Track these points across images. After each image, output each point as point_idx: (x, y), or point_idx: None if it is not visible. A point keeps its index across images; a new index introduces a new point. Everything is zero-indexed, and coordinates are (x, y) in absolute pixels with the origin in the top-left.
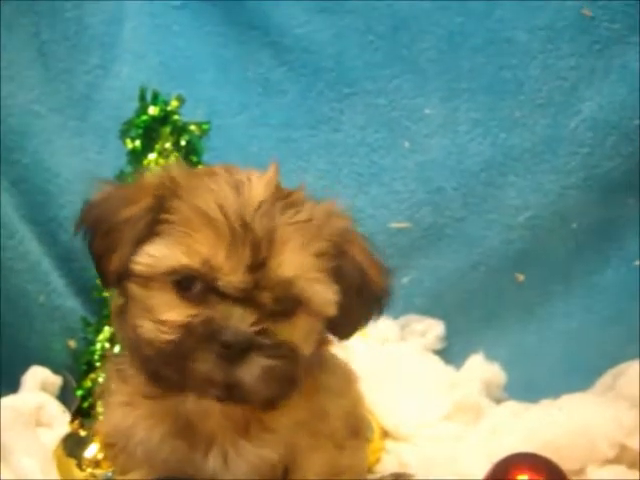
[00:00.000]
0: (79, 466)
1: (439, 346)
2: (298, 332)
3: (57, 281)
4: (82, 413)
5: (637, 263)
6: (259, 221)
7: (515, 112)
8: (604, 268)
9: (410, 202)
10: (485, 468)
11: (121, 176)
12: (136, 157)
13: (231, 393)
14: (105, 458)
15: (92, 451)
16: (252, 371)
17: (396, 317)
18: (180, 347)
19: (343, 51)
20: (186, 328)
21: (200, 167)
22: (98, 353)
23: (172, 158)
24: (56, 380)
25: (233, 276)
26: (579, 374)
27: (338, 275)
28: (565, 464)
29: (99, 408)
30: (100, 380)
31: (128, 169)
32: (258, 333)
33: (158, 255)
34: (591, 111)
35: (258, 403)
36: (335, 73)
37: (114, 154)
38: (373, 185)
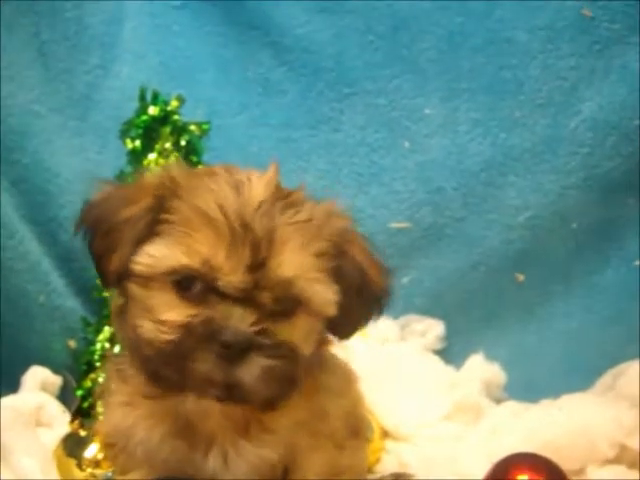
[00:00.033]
0: (79, 466)
1: (439, 346)
2: (298, 332)
3: (57, 281)
4: (82, 413)
5: (637, 263)
6: (259, 221)
7: (515, 112)
8: (604, 268)
9: (410, 202)
10: (485, 468)
11: (121, 176)
12: (136, 157)
13: (231, 393)
14: (105, 458)
15: (92, 451)
16: (252, 371)
17: (396, 317)
18: (180, 347)
19: (343, 51)
20: (186, 328)
21: (200, 167)
22: (98, 353)
23: (172, 158)
24: (56, 380)
25: (233, 276)
26: (579, 374)
27: (338, 275)
28: (565, 464)
29: (99, 408)
30: (100, 380)
31: (128, 169)
32: (258, 333)
33: (158, 255)
34: (591, 111)
35: (258, 403)
36: (335, 73)
37: (114, 154)
38: (373, 185)
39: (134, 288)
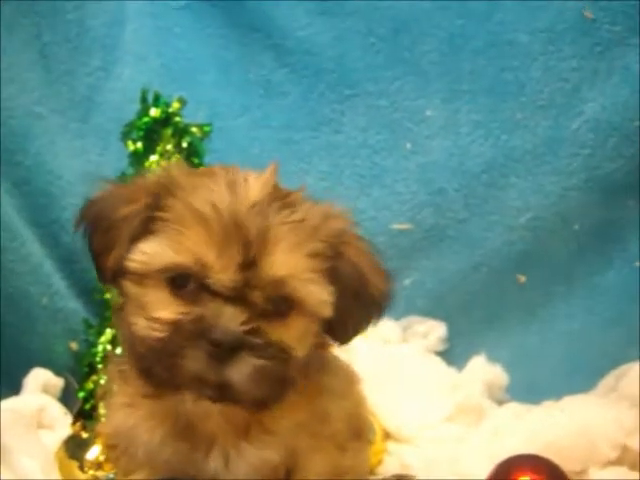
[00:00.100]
0: (81, 468)
1: (441, 347)
2: (292, 333)
3: (59, 283)
4: (84, 415)
5: (638, 264)
6: (252, 220)
7: (516, 114)
8: (606, 269)
9: (412, 203)
10: (487, 469)
11: (123, 178)
12: (137, 159)
13: (222, 392)
14: (107, 460)
15: (94, 453)
16: (242, 370)
17: (398, 319)
18: (170, 344)
19: (344, 53)
20: (176, 325)
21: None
22: (100, 355)
23: (173, 160)
24: (58, 382)
25: (224, 274)
26: (581, 375)
27: (334, 276)
28: (567, 465)
29: (101, 410)
30: (102, 382)
31: (129, 171)
32: (249, 332)
33: (151, 252)
34: (593, 112)
35: (249, 403)
36: (336, 75)
37: (116, 156)
38: (375, 187)
39: (129, 286)
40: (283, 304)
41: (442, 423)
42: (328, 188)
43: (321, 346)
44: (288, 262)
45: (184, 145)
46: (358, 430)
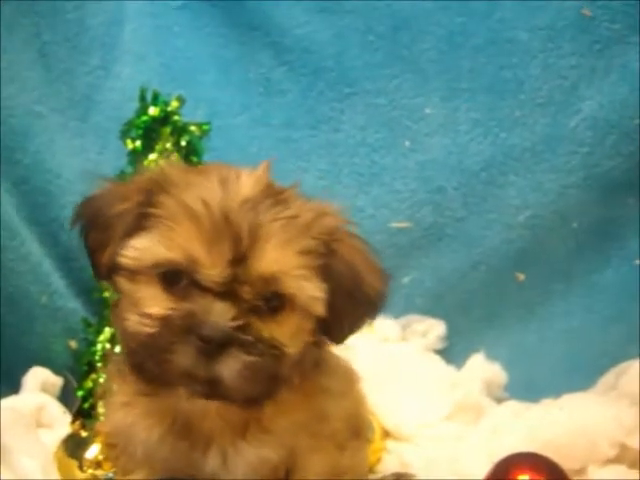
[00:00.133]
0: (80, 467)
1: (440, 346)
2: (284, 330)
3: (58, 282)
4: (83, 414)
5: (637, 262)
6: (243, 216)
7: (515, 111)
8: (605, 267)
9: (411, 202)
10: (486, 468)
11: (121, 176)
12: (136, 157)
13: (212, 389)
14: (106, 459)
15: (93, 452)
16: (231, 366)
17: (397, 317)
18: (159, 340)
19: (343, 51)
20: (165, 321)
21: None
22: (99, 354)
23: (172, 159)
24: (57, 381)
25: (213, 270)
26: (580, 373)
27: (327, 274)
28: (566, 464)
29: (100, 409)
30: (101, 381)
31: (129, 169)
32: (238, 328)
33: (142, 248)
34: (591, 110)
35: (240, 400)
36: (335, 73)
37: (115, 154)
38: (374, 185)
39: (123, 282)
40: (275, 301)
41: (441, 421)
42: (327, 186)
43: (317, 344)
44: (279, 258)
45: (183, 144)
46: (357, 429)
